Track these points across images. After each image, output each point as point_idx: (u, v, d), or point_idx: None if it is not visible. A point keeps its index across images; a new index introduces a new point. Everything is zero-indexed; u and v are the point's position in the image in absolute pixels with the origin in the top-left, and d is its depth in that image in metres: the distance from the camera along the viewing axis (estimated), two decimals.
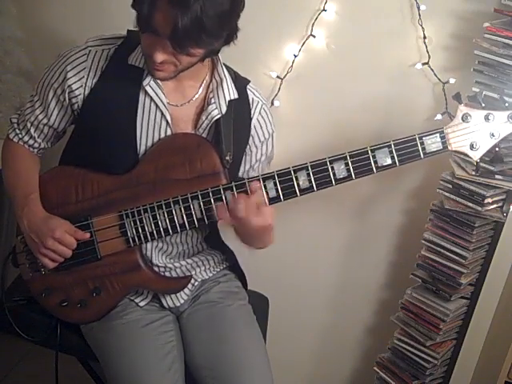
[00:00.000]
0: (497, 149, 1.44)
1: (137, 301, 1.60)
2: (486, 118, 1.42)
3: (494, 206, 1.75)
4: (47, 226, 1.47)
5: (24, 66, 2.11)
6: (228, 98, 1.52)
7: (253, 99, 1.60)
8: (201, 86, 1.53)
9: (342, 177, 1.43)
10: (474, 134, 1.42)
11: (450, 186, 1.79)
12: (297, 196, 1.44)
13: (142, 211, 1.47)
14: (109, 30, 1.57)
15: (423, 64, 1.87)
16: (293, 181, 1.43)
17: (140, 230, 1.48)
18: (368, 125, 1.98)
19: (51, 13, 2.11)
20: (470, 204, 1.74)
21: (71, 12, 2.09)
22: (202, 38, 1.31)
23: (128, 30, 1.53)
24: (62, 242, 1.47)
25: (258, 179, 1.43)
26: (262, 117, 1.61)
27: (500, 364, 1.87)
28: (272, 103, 1.98)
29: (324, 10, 1.88)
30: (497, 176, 1.70)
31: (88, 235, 1.50)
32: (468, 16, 1.82)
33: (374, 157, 1.42)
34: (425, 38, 1.84)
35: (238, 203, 1.37)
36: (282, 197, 1.43)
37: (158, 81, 1.48)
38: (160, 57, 1.35)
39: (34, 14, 2.13)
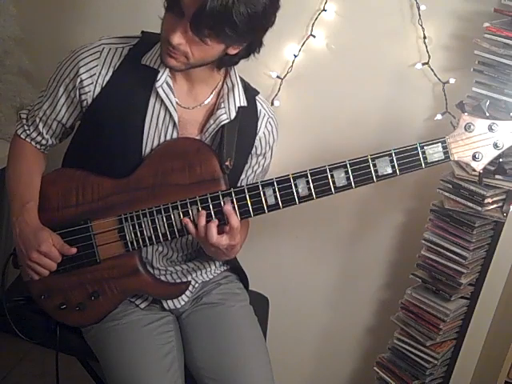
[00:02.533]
0: (500, 159, 1.38)
1: (137, 303, 1.60)
2: (490, 127, 1.37)
3: (494, 206, 1.75)
4: (35, 238, 1.46)
5: (24, 66, 2.12)
6: (238, 104, 1.51)
7: (260, 111, 1.60)
8: (213, 91, 1.52)
9: (341, 185, 1.41)
10: (477, 144, 1.37)
11: (450, 186, 1.78)
12: (296, 204, 1.42)
13: (140, 215, 1.46)
14: (109, 31, 1.57)
15: (423, 64, 1.87)
16: (292, 188, 1.41)
17: (139, 235, 1.47)
18: (368, 124, 1.98)
19: (51, 13, 2.11)
20: (470, 204, 1.73)
21: (71, 12, 2.09)
22: (224, 30, 1.29)
23: (143, 32, 1.53)
24: (47, 255, 1.46)
25: (258, 186, 1.42)
26: (268, 130, 1.61)
27: (500, 364, 1.87)
28: (272, 103, 1.98)
29: (324, 10, 1.87)
30: (497, 176, 1.69)
31: (75, 250, 1.48)
32: (468, 16, 1.81)
33: (374, 165, 1.39)
34: (425, 37, 1.84)
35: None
36: (280, 204, 1.42)
37: (171, 83, 1.46)
38: (176, 39, 1.33)
39: (34, 13, 2.12)
